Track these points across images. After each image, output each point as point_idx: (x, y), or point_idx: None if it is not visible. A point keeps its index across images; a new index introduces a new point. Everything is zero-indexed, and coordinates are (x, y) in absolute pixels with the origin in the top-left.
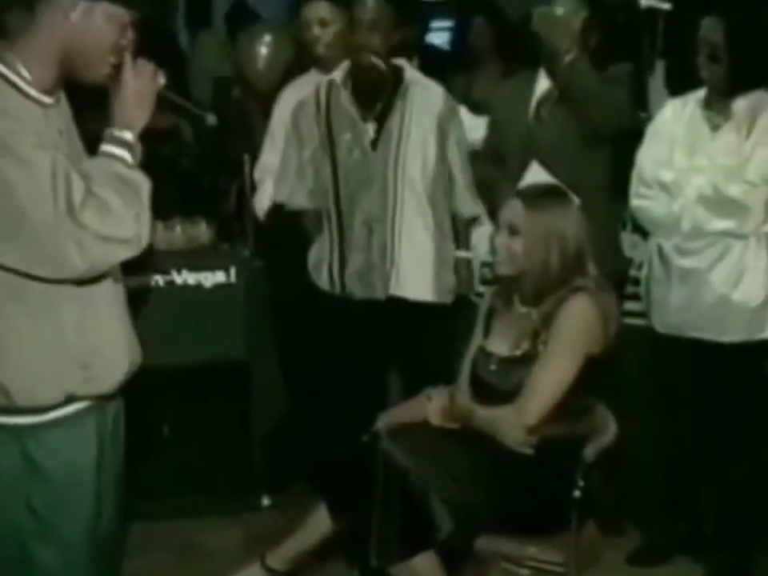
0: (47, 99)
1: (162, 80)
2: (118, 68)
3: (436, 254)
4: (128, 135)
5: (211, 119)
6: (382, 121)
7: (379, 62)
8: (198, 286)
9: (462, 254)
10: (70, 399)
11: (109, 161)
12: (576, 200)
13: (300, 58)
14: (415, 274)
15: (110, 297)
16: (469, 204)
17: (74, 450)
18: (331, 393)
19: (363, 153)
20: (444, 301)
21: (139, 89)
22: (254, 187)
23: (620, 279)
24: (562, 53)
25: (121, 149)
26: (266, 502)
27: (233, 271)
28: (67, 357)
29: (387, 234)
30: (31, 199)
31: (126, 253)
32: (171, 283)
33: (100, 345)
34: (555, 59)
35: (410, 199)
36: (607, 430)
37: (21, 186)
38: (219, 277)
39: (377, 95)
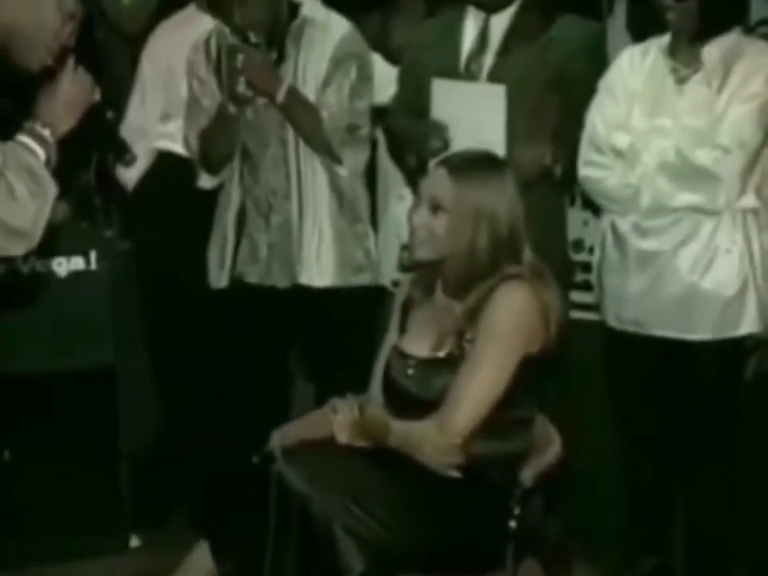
0: None
1: (97, 96)
2: (56, 65)
3: (337, 227)
4: (47, 134)
5: (94, 92)
6: (278, 63)
7: None
8: (50, 275)
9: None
10: None
11: (23, 151)
12: (510, 172)
13: None
14: (319, 256)
15: None
16: (340, 146)
17: None
18: (217, 405)
19: (256, 112)
20: (348, 283)
21: (73, 94)
22: None
23: (565, 265)
24: None
25: (38, 144)
26: (134, 542)
27: (93, 256)
28: None
29: (290, 211)
30: None
31: (16, 247)
32: (15, 273)
33: None
34: None
35: (314, 167)
36: (549, 446)
37: None
38: (77, 263)
39: (270, 38)
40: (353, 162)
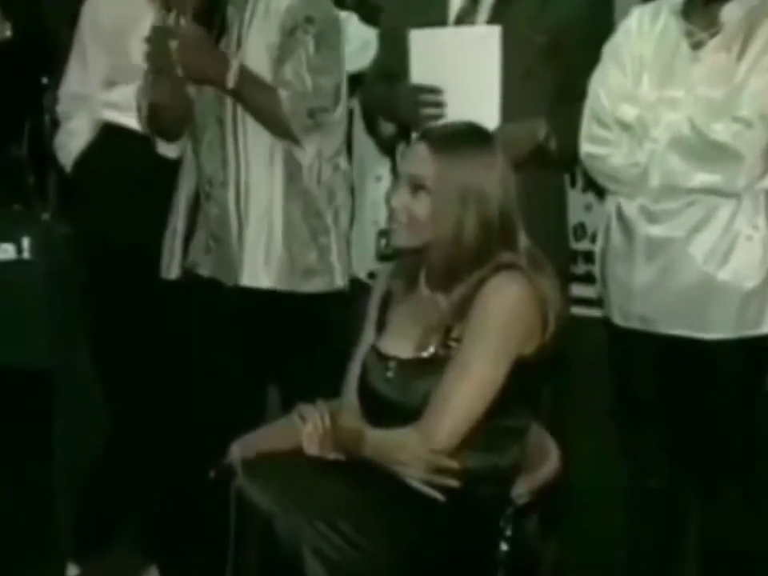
0: None
1: (7, 32)
2: None
3: (286, 222)
4: None
5: (4, 29)
6: (219, 38)
7: None
8: None
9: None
10: None
11: None
12: (500, 149)
13: None
14: (260, 255)
15: None
16: (301, 132)
17: None
18: (169, 413)
19: (196, 87)
20: (295, 288)
21: None
22: (56, 125)
23: (565, 254)
24: None
25: None
26: (72, 571)
27: (26, 243)
28: None
29: (226, 201)
30: None
31: None
32: None
33: None
34: None
35: (257, 150)
36: (546, 459)
37: None
38: (6, 251)
39: (207, 7)
40: (314, 148)
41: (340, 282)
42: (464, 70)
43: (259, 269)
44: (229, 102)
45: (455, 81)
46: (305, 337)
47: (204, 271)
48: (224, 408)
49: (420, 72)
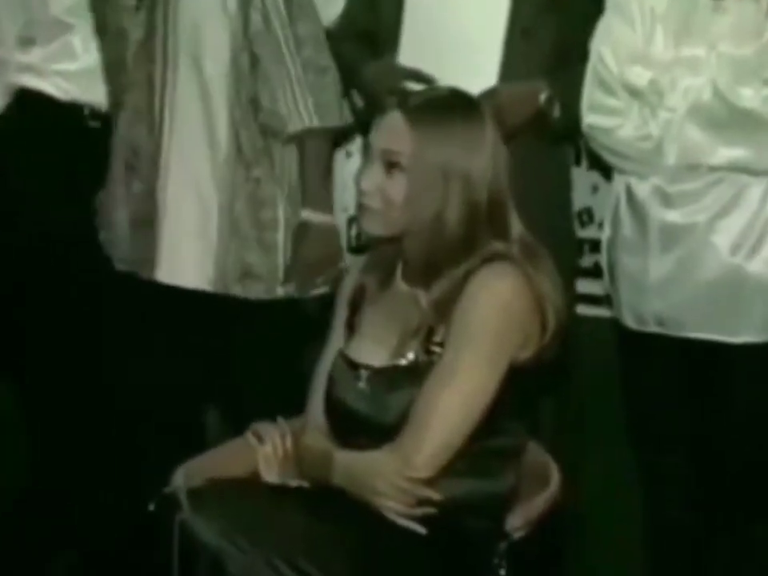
0: None
1: None
2: None
3: (225, 211)
4: None
5: None
6: None
7: None
8: None
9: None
10: None
11: None
12: (490, 116)
13: None
14: (188, 248)
15: None
16: (293, 112)
17: None
18: (99, 435)
19: (124, 42)
20: (229, 292)
21: None
22: None
23: (568, 244)
24: None
25: None
26: None
27: None
28: None
29: (154, 178)
30: None
31: None
32: None
33: None
34: None
35: (193, 119)
36: (546, 484)
37: None
38: None
39: None
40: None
41: (288, 290)
42: (463, 21)
43: (184, 263)
44: (159, 55)
45: (451, 33)
46: (246, 346)
47: (121, 264)
48: (159, 429)
49: (413, 22)
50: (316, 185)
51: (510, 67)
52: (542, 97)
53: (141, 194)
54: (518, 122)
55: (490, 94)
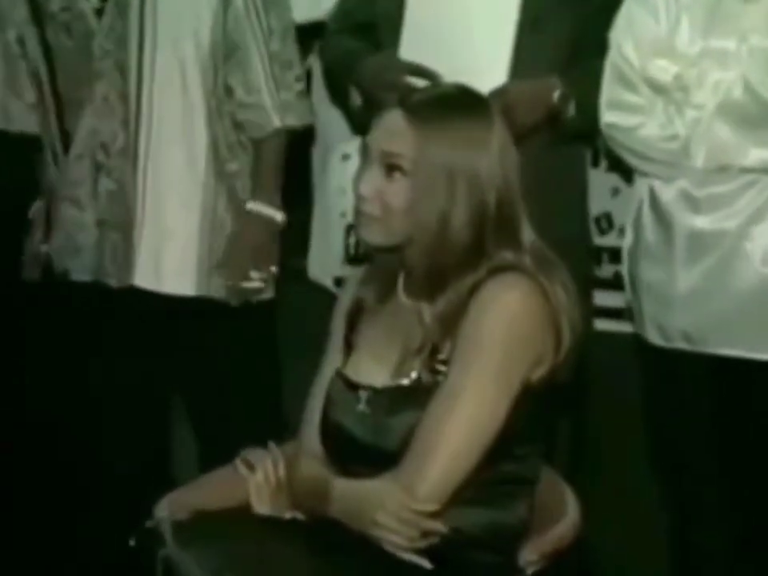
0: None
1: None
2: None
3: (207, 210)
4: None
5: None
6: None
7: None
8: None
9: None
10: None
11: None
12: (498, 114)
13: None
14: (170, 249)
15: None
16: (269, 108)
17: None
18: (68, 462)
19: (85, 31)
20: (217, 296)
21: None
22: None
23: (585, 253)
24: None
25: None
26: None
27: None
28: None
29: (125, 173)
30: None
31: None
32: None
33: None
34: None
35: (172, 112)
36: (562, 514)
37: None
38: None
39: None
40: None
41: (270, 292)
42: (469, 11)
43: (165, 268)
44: (133, 45)
45: (456, 25)
46: (226, 358)
47: (79, 274)
48: (142, 452)
49: (415, 13)
50: (269, 182)
51: (520, 62)
52: (556, 94)
53: (110, 194)
54: (529, 121)
55: (499, 92)
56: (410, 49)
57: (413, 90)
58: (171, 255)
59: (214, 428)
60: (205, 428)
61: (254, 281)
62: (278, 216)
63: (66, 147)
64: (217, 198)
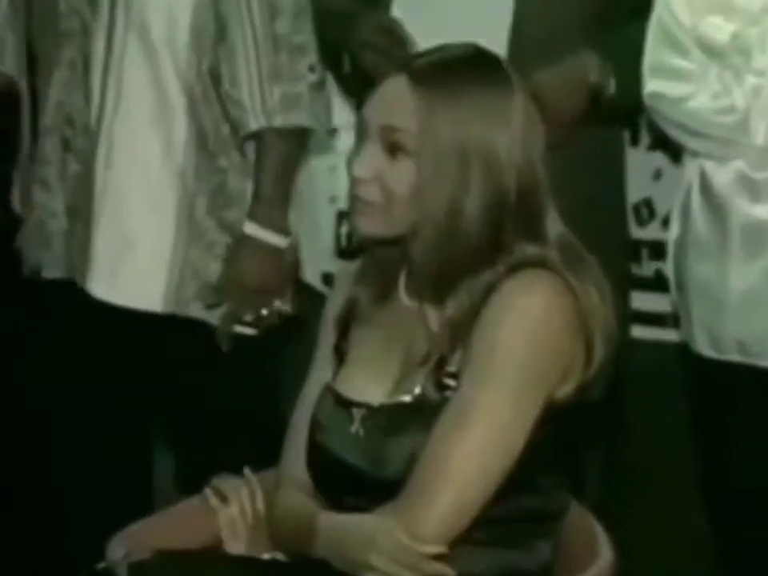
0: None
1: None
2: None
3: (180, 211)
4: None
5: None
6: None
7: None
8: None
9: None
10: None
11: None
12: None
13: None
14: (137, 254)
15: None
16: (256, 104)
17: None
18: (20, 492)
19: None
20: (182, 312)
21: None
22: None
23: (621, 247)
24: None
25: None
26: None
27: None
28: None
29: (92, 155)
30: None
31: None
32: None
33: None
34: None
35: (143, 87)
36: (594, 556)
37: None
38: None
39: None
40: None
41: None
42: None
43: (125, 275)
44: (102, 20)
45: None
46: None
47: (50, 271)
48: (101, 480)
49: None
50: (270, 195)
51: (523, 19)
52: (594, 71)
53: (76, 178)
54: (569, 111)
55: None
56: (402, 6)
57: (418, 53)
58: (132, 262)
59: (193, 448)
60: (185, 447)
61: (266, 321)
62: (282, 243)
63: (36, 119)
64: (195, 198)
